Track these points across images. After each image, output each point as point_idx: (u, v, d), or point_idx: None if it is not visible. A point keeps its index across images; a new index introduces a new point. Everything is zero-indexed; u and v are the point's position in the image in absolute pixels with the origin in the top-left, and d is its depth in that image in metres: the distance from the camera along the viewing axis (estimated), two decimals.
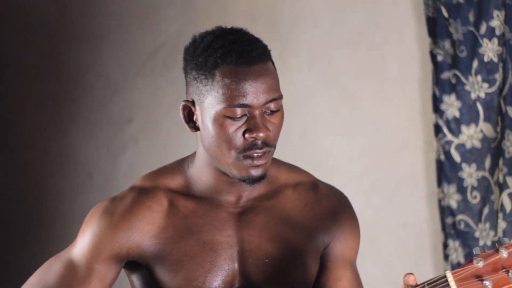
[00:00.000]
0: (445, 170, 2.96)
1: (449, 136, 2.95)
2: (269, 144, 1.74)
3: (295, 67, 3.25)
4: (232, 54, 1.71)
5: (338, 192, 1.95)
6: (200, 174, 1.83)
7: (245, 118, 1.72)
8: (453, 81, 2.93)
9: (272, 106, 1.73)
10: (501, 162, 2.83)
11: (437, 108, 2.96)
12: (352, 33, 3.18)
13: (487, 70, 2.86)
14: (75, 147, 3.68)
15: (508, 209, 2.82)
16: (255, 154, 1.73)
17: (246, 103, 1.71)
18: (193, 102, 1.77)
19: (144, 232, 1.80)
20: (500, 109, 2.86)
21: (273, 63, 1.78)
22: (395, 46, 3.11)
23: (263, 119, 1.73)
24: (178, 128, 3.46)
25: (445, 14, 2.92)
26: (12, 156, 3.79)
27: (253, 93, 1.71)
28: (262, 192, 1.86)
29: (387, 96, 3.13)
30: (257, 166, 1.73)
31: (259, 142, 1.72)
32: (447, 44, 2.94)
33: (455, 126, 2.94)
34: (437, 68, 2.96)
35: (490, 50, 2.84)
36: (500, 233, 2.83)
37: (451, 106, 2.94)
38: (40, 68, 3.75)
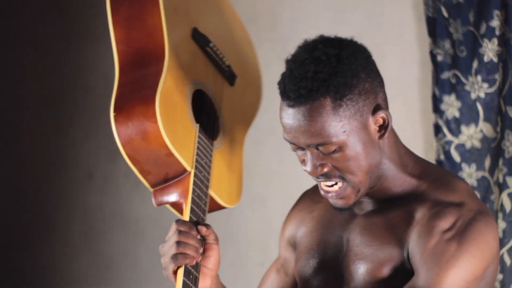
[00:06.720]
0: None
1: (449, 136, 2.95)
2: (330, 176, 1.71)
3: None
4: (281, 88, 1.69)
5: (464, 210, 1.70)
6: None
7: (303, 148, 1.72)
8: (453, 81, 2.93)
9: (322, 149, 1.69)
10: (501, 162, 2.83)
11: (437, 108, 2.96)
12: (352, 33, 3.17)
13: (487, 70, 2.86)
14: (75, 147, 3.68)
15: (508, 209, 2.82)
16: (318, 181, 1.74)
17: (291, 141, 1.71)
18: None
19: (299, 222, 1.91)
20: (500, 109, 2.86)
21: (335, 98, 1.66)
22: (395, 46, 3.11)
23: (316, 156, 1.70)
24: None
25: (445, 14, 2.92)
26: (12, 156, 3.79)
27: (293, 134, 1.69)
28: (391, 196, 1.78)
29: (387, 96, 3.12)
30: (332, 197, 1.73)
31: (318, 176, 1.72)
32: (447, 44, 2.94)
33: (455, 126, 2.94)
34: (437, 68, 2.96)
35: (490, 50, 2.85)
36: (500, 233, 2.83)
37: (451, 106, 2.94)
38: (40, 68, 3.75)
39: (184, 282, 1.65)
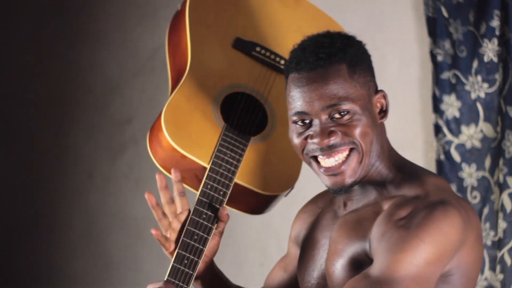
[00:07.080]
0: (445, 170, 2.96)
1: (449, 136, 2.95)
2: (337, 146, 1.72)
3: None
4: (294, 61, 1.75)
5: (424, 201, 1.69)
6: None
7: (309, 125, 1.74)
8: (453, 81, 2.93)
9: (334, 112, 1.72)
10: (501, 162, 2.83)
11: (437, 108, 2.96)
12: (352, 33, 3.17)
13: (487, 70, 2.86)
14: (75, 147, 3.68)
15: (508, 209, 2.82)
16: (319, 156, 1.74)
17: (302, 110, 1.73)
18: None
19: (302, 224, 1.96)
20: (500, 109, 2.86)
21: (350, 66, 1.74)
22: (395, 46, 3.11)
23: (327, 125, 1.72)
24: None
25: (445, 14, 2.92)
26: (12, 156, 3.79)
27: (307, 100, 1.72)
28: (371, 200, 1.78)
29: (387, 95, 3.12)
30: (332, 174, 1.74)
31: (324, 146, 1.72)
32: (447, 44, 2.94)
33: (455, 126, 2.94)
34: (437, 68, 2.96)
35: (490, 50, 2.85)
36: (500, 233, 2.83)
37: (451, 106, 2.94)
38: (40, 68, 3.75)
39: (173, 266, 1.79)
